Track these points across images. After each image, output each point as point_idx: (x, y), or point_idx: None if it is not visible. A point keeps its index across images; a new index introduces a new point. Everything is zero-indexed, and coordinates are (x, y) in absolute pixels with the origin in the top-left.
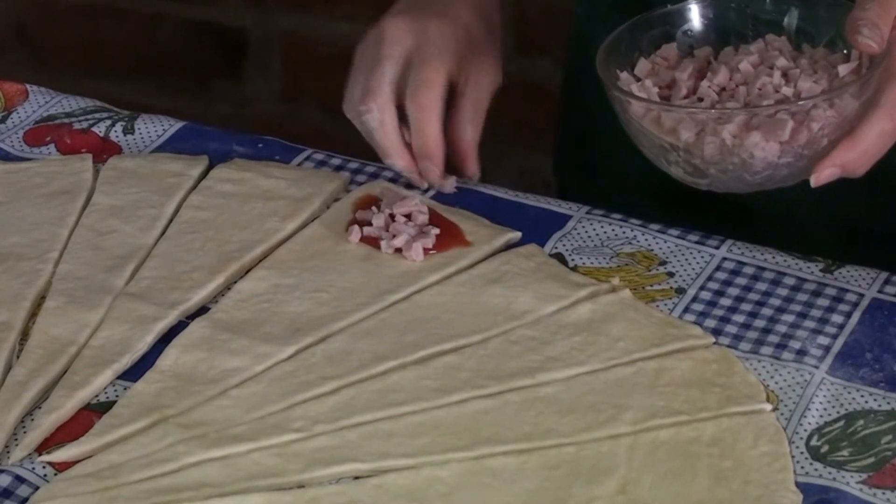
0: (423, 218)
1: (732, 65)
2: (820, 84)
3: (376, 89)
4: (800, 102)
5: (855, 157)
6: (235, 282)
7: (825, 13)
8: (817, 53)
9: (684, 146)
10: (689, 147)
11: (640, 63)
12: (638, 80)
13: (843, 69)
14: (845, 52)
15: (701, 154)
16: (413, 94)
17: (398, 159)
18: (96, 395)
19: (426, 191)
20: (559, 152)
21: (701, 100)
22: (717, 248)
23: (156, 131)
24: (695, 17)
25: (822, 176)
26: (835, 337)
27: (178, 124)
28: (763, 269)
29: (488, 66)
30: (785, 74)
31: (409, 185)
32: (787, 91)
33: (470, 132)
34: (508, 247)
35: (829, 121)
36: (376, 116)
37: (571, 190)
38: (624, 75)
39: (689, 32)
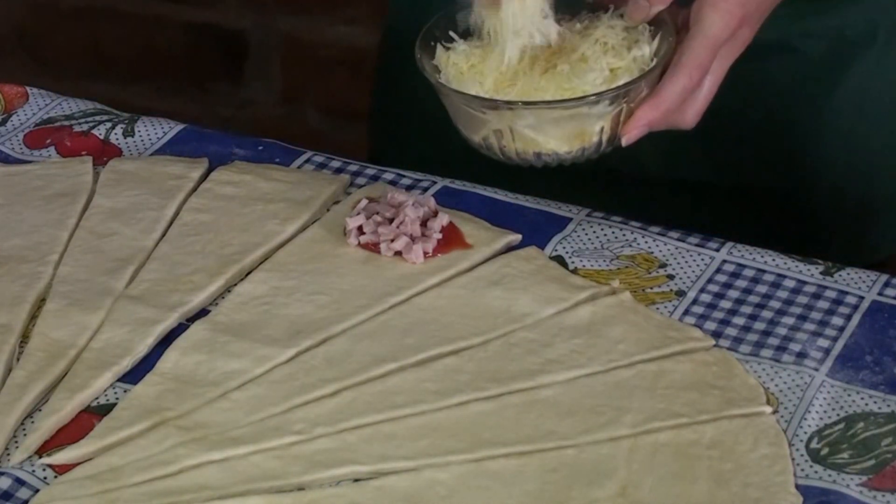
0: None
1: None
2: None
3: None
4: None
5: (660, 116)
6: (235, 284)
7: None
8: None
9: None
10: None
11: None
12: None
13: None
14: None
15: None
16: None
17: None
18: (96, 398)
19: (425, 191)
20: (373, 119)
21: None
22: (717, 250)
23: (156, 134)
24: None
25: (631, 136)
26: (835, 339)
27: (178, 127)
28: (763, 271)
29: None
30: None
31: (409, 188)
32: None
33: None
34: (508, 249)
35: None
36: None
37: (385, 154)
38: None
39: None
